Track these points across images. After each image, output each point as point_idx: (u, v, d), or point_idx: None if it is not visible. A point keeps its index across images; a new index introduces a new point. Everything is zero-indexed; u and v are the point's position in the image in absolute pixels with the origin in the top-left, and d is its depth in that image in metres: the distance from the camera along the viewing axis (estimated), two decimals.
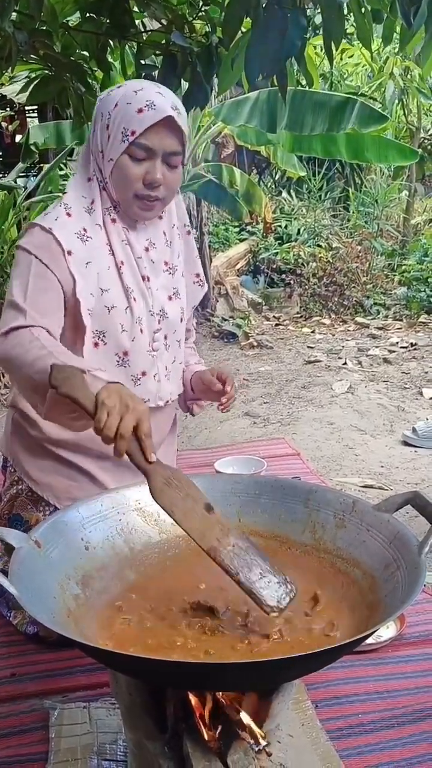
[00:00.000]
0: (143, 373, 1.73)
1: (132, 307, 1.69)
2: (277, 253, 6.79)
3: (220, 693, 1.18)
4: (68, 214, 1.68)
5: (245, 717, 1.13)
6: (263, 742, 1.17)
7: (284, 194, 8.26)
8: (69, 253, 1.63)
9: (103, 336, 1.68)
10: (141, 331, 1.71)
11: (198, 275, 1.90)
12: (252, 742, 1.17)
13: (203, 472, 2.32)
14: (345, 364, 4.73)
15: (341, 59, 7.83)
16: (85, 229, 1.68)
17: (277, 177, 8.68)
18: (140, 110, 1.58)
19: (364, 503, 1.42)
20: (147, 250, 1.74)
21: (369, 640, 1.71)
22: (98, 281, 1.67)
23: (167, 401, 1.81)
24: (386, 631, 1.79)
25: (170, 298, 1.78)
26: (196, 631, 1.22)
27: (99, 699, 1.56)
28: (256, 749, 1.17)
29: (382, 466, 3.10)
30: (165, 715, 1.21)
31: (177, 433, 2.06)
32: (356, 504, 1.42)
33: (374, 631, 1.08)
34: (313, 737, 1.45)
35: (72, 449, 1.76)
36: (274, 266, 6.78)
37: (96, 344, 1.68)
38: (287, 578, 1.25)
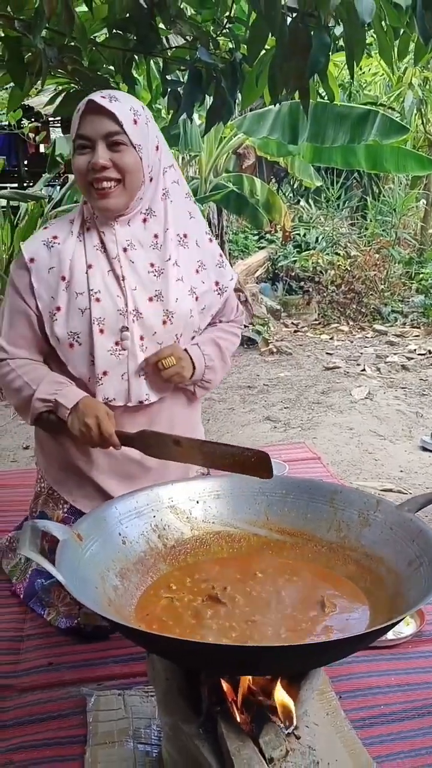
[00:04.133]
0: (104, 373, 1.77)
1: (92, 308, 1.75)
2: (295, 261, 6.86)
3: (251, 680, 1.26)
4: (45, 228, 1.86)
5: (281, 697, 1.20)
6: (293, 726, 1.25)
7: (302, 203, 8.33)
8: (31, 260, 1.79)
9: (78, 337, 1.76)
10: (101, 331, 1.75)
11: (217, 283, 1.91)
12: (282, 726, 1.24)
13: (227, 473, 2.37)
14: (364, 370, 4.78)
15: (359, 69, 7.90)
16: (55, 236, 1.80)
17: (295, 186, 8.76)
18: (78, 110, 1.72)
19: (388, 503, 1.49)
20: (126, 250, 1.78)
21: (390, 636, 1.79)
22: (72, 286, 1.76)
23: (142, 401, 1.81)
24: (406, 628, 1.85)
25: (150, 299, 1.79)
26: (230, 620, 1.30)
27: (133, 687, 1.64)
28: (286, 732, 1.24)
29: (401, 471, 3.16)
30: (200, 699, 1.28)
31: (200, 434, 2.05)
32: (380, 503, 1.49)
33: (402, 618, 1.15)
34: (337, 725, 1.52)
35: (75, 449, 1.86)
36: (293, 274, 6.85)
37: (71, 345, 1.77)
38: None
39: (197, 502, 1.59)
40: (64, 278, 1.76)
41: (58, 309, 1.76)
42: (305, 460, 3.08)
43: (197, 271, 1.87)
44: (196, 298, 1.86)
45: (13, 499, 2.71)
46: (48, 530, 1.32)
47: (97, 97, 1.69)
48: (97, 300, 1.75)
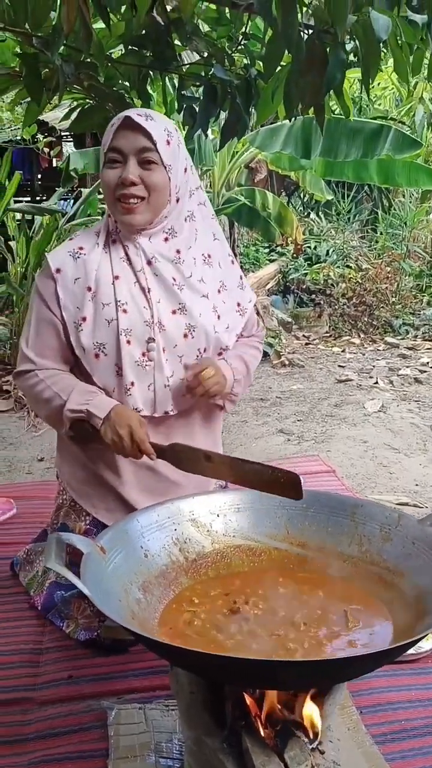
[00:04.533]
0: (132, 384, 1.79)
1: (119, 318, 1.77)
2: (306, 274, 6.88)
3: (275, 694, 1.26)
4: (71, 239, 1.89)
5: (309, 711, 1.20)
6: (317, 741, 1.25)
7: (312, 216, 8.37)
8: (57, 270, 1.82)
9: (104, 348, 1.79)
10: (128, 342, 1.77)
11: (239, 304, 1.94)
12: (306, 741, 1.24)
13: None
14: (376, 383, 4.78)
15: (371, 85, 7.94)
16: (81, 248, 1.83)
17: (305, 199, 8.80)
18: (112, 124, 1.76)
19: (410, 517, 1.49)
20: (150, 263, 1.80)
21: (410, 651, 1.78)
22: (98, 297, 1.78)
23: (167, 411, 1.83)
24: (426, 643, 1.84)
25: (174, 312, 1.81)
26: (253, 634, 1.30)
27: (153, 701, 1.64)
28: (311, 747, 1.24)
29: (416, 485, 3.15)
30: (224, 713, 1.28)
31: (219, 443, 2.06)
32: (401, 518, 1.49)
33: (425, 635, 1.14)
34: (359, 741, 1.51)
35: (100, 462, 1.87)
36: (304, 286, 6.86)
37: (97, 356, 1.79)
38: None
39: (218, 516, 1.60)
40: (89, 289, 1.78)
41: (84, 319, 1.78)
42: (320, 473, 3.08)
43: (219, 291, 1.90)
44: (219, 317, 1.87)
45: (29, 511, 2.72)
46: (72, 543, 1.33)
47: (133, 114, 1.73)
48: (124, 311, 1.77)
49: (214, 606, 1.40)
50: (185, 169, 1.81)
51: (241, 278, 1.97)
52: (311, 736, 1.23)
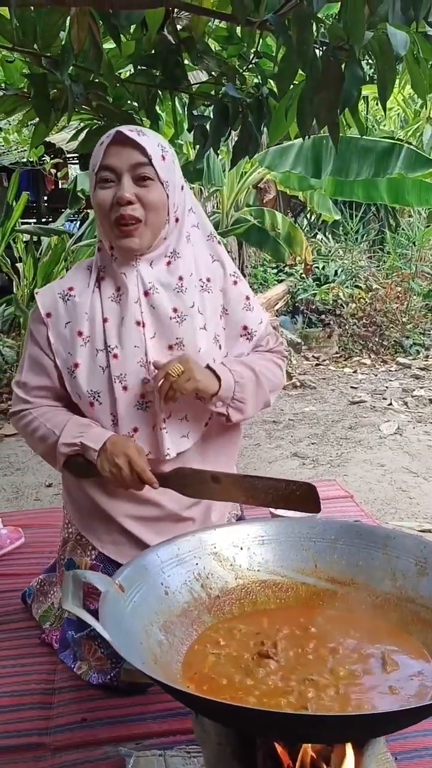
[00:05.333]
0: (135, 430, 1.69)
1: (111, 365, 1.68)
2: (315, 294, 6.83)
3: (309, 744, 1.17)
4: (62, 277, 1.81)
5: (348, 764, 1.11)
6: None
7: (320, 236, 8.34)
8: (48, 315, 1.73)
9: (98, 396, 1.69)
10: (124, 388, 1.68)
11: (245, 328, 1.79)
12: None
13: (257, 514, 2.28)
14: (390, 404, 4.69)
15: (375, 104, 7.96)
16: (71, 288, 1.73)
17: (312, 219, 8.78)
18: (101, 143, 1.65)
19: None
20: (147, 294, 1.69)
21: None
22: (91, 342, 1.69)
23: (165, 455, 1.70)
24: None
25: (170, 347, 1.69)
26: (285, 679, 1.21)
27: (173, 747, 1.54)
28: None
29: None
30: (254, 764, 1.19)
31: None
32: None
33: None
34: None
35: (105, 494, 1.76)
36: (313, 307, 6.81)
37: (92, 404, 1.70)
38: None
39: (241, 549, 1.51)
40: (80, 333, 1.70)
41: (77, 366, 1.69)
42: (337, 498, 2.98)
43: (221, 317, 1.77)
44: (220, 347, 1.76)
45: (38, 540, 2.63)
46: (89, 581, 1.25)
47: (125, 129, 1.62)
48: (115, 356, 1.68)
49: (241, 647, 1.32)
50: (182, 187, 1.71)
51: (247, 299, 1.81)
52: None
